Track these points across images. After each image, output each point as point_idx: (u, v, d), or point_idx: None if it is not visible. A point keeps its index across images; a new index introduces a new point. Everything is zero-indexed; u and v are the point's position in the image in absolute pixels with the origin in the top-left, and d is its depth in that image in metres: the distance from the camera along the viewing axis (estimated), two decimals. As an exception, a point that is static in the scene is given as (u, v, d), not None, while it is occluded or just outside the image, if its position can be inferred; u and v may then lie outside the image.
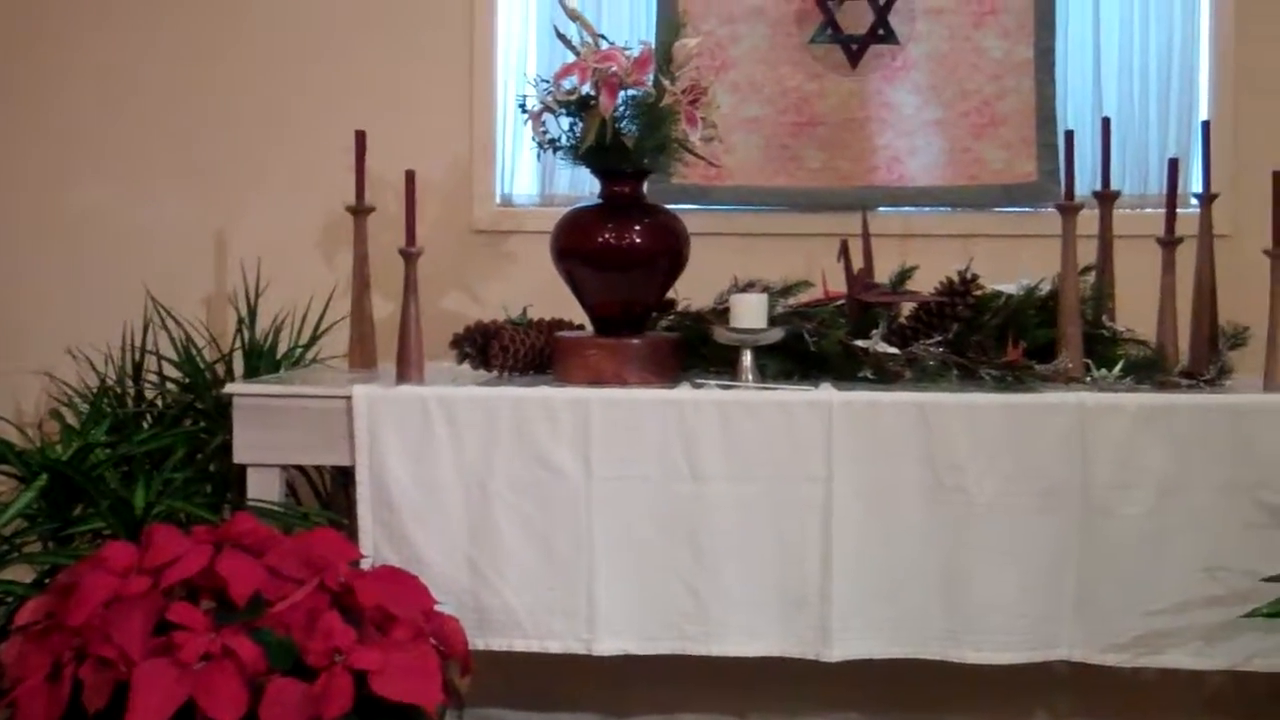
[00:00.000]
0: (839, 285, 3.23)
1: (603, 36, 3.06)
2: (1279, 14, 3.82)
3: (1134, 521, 2.85)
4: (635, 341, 3.04)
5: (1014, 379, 2.97)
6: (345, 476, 3.12)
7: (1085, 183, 3.50)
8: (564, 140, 3.05)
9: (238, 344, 3.60)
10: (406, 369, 3.01)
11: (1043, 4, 3.74)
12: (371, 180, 3.39)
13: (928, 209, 3.78)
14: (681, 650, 2.92)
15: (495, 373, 3.11)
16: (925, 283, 3.24)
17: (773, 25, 3.74)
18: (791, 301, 3.22)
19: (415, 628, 2.61)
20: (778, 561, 2.88)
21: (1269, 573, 2.80)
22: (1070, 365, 3.02)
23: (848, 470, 2.87)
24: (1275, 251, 3.02)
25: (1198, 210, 3.26)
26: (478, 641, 2.88)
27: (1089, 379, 3.02)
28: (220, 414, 3.23)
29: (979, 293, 3.15)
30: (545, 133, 3.06)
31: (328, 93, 3.76)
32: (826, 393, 2.91)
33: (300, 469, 3.44)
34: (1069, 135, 3.24)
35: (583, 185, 3.57)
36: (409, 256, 3.07)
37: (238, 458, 2.98)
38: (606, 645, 2.91)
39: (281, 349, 3.59)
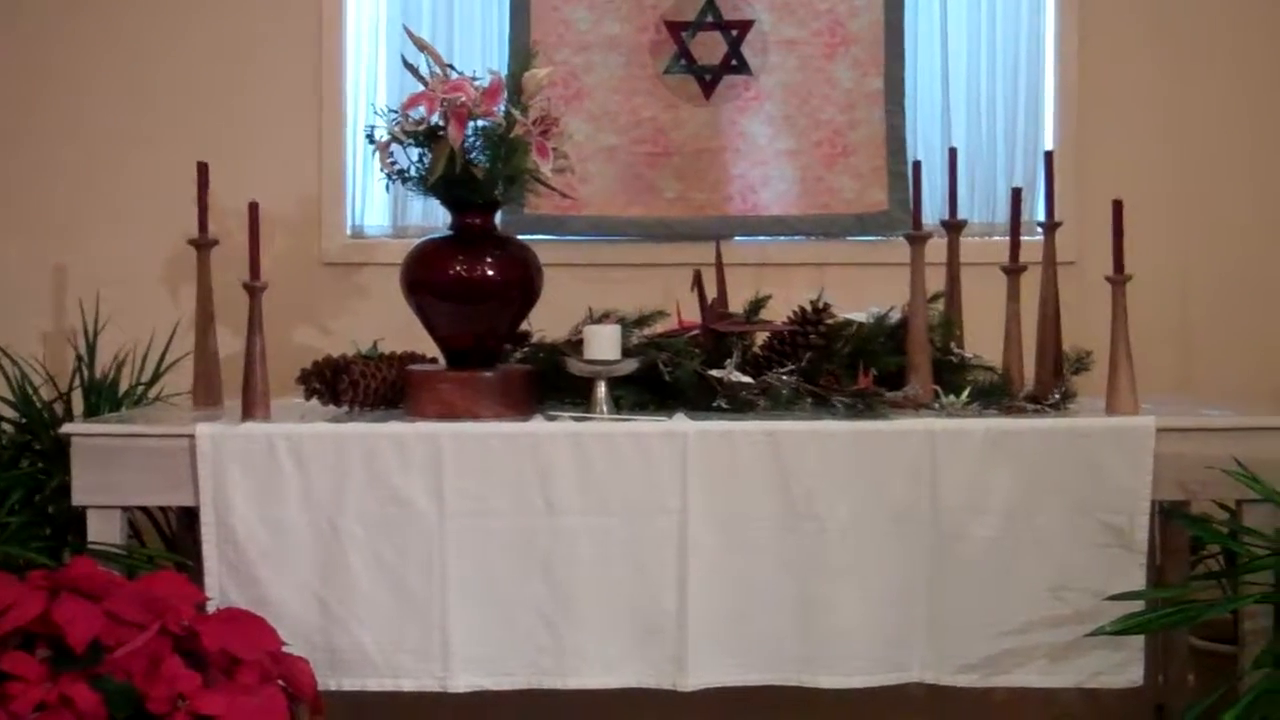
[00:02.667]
0: (693, 315, 3.24)
1: (451, 67, 3.04)
2: (1121, 47, 3.94)
3: (982, 544, 2.90)
4: (488, 374, 3.02)
5: (865, 406, 3.00)
6: (191, 517, 3.04)
7: (936, 212, 3.57)
8: (413, 171, 3.01)
9: (77, 382, 3.50)
10: (252, 406, 2.95)
11: (892, 35, 3.81)
12: (217, 212, 3.32)
13: (782, 238, 3.82)
14: (537, 684, 2.89)
15: (345, 408, 3.06)
16: (779, 312, 3.27)
17: (627, 55, 3.75)
18: (646, 332, 3.22)
19: (262, 670, 2.56)
20: (633, 593, 2.87)
21: (1113, 591, 2.87)
22: (919, 392, 3.06)
23: (702, 500, 2.87)
24: (1116, 277, 3.08)
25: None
26: (329, 682, 2.83)
27: (938, 405, 3.05)
28: (59, 454, 3.13)
29: (831, 321, 3.18)
30: (394, 164, 3.02)
31: (171, 123, 3.69)
32: (681, 423, 2.91)
33: (144, 510, 3.35)
34: (916, 165, 3.29)
35: (436, 216, 3.55)
36: (253, 290, 3.01)
37: (77, 500, 2.89)
38: (461, 682, 2.87)
39: (123, 387, 3.50)
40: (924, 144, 3.88)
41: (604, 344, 3.00)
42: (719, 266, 3.30)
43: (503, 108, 2.98)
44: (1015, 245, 3.25)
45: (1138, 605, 2.86)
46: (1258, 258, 4.01)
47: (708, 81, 3.74)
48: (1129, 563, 2.92)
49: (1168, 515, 3.19)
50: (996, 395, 3.11)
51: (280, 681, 2.60)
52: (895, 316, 3.22)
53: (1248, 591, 2.89)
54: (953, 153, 3.40)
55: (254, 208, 3.03)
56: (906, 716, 3.38)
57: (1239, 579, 2.98)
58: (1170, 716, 3.37)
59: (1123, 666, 2.95)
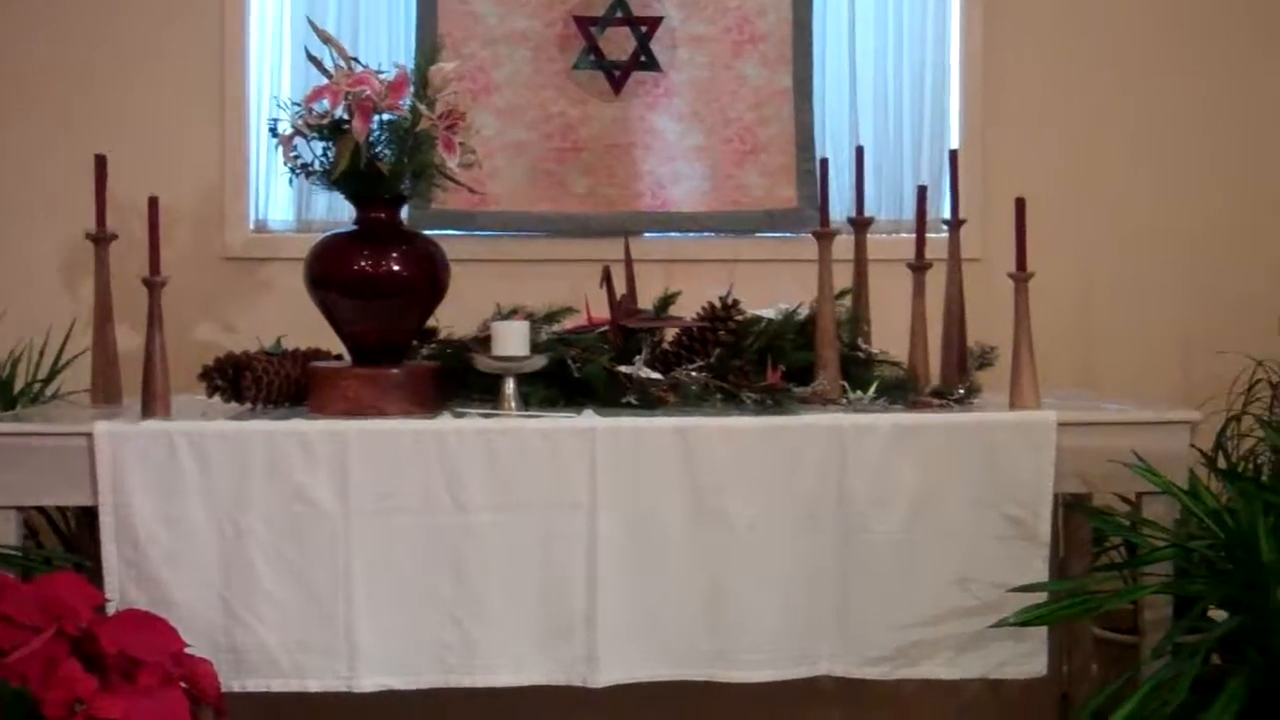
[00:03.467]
0: (603, 311, 3.23)
1: (356, 60, 3.00)
2: (1026, 47, 3.99)
3: (889, 538, 2.92)
4: (394, 371, 2.99)
5: (773, 402, 3.01)
6: (90, 517, 2.98)
7: (845, 209, 3.59)
8: (317, 165, 2.98)
9: (-31, 380, 3.42)
10: (152, 403, 2.90)
11: (801, 34, 3.82)
12: (117, 207, 3.26)
13: (692, 234, 3.82)
14: (446, 683, 2.87)
15: (248, 406, 3.01)
16: (689, 308, 3.27)
17: (535, 50, 3.74)
18: (555, 328, 3.20)
19: (163, 673, 2.51)
20: (543, 590, 2.86)
21: (1017, 583, 2.89)
22: (827, 387, 3.07)
23: (612, 496, 2.86)
24: (1019, 274, 3.12)
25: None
26: (233, 684, 2.79)
27: (845, 400, 3.07)
28: (-47, 454, 3.06)
29: (740, 317, 3.19)
30: (297, 157, 2.98)
31: (69, 116, 3.62)
32: (590, 419, 2.90)
33: (41, 510, 3.28)
34: (824, 163, 3.30)
35: (341, 211, 3.50)
36: (152, 286, 2.95)
37: (-30, 500, 2.82)
38: (368, 682, 2.85)
39: (18, 385, 3.43)
40: (832, 142, 3.90)
41: (512, 340, 2.98)
42: (628, 263, 3.30)
43: (408, 102, 2.95)
44: (921, 242, 3.27)
45: (1041, 597, 2.89)
46: (1157, 255, 4.08)
47: (617, 77, 3.74)
48: (1032, 555, 2.96)
49: (1070, 508, 3.23)
50: (903, 390, 3.13)
51: (182, 683, 2.55)
52: (804, 313, 3.23)
53: (1147, 582, 2.94)
54: (859, 150, 3.42)
55: (153, 202, 2.97)
56: (818, 709, 3.40)
57: (1139, 570, 3.03)
58: (1074, 706, 3.41)
59: (1027, 657, 2.99)
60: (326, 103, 2.93)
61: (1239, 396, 3.75)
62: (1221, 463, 3.52)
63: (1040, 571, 2.96)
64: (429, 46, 3.43)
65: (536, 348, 3.05)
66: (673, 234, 3.79)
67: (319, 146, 2.97)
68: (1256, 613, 2.76)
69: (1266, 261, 4.11)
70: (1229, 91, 4.12)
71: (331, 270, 2.99)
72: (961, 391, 3.14)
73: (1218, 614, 2.91)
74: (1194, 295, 4.08)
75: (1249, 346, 3.83)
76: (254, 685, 2.83)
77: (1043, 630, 2.97)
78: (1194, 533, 2.95)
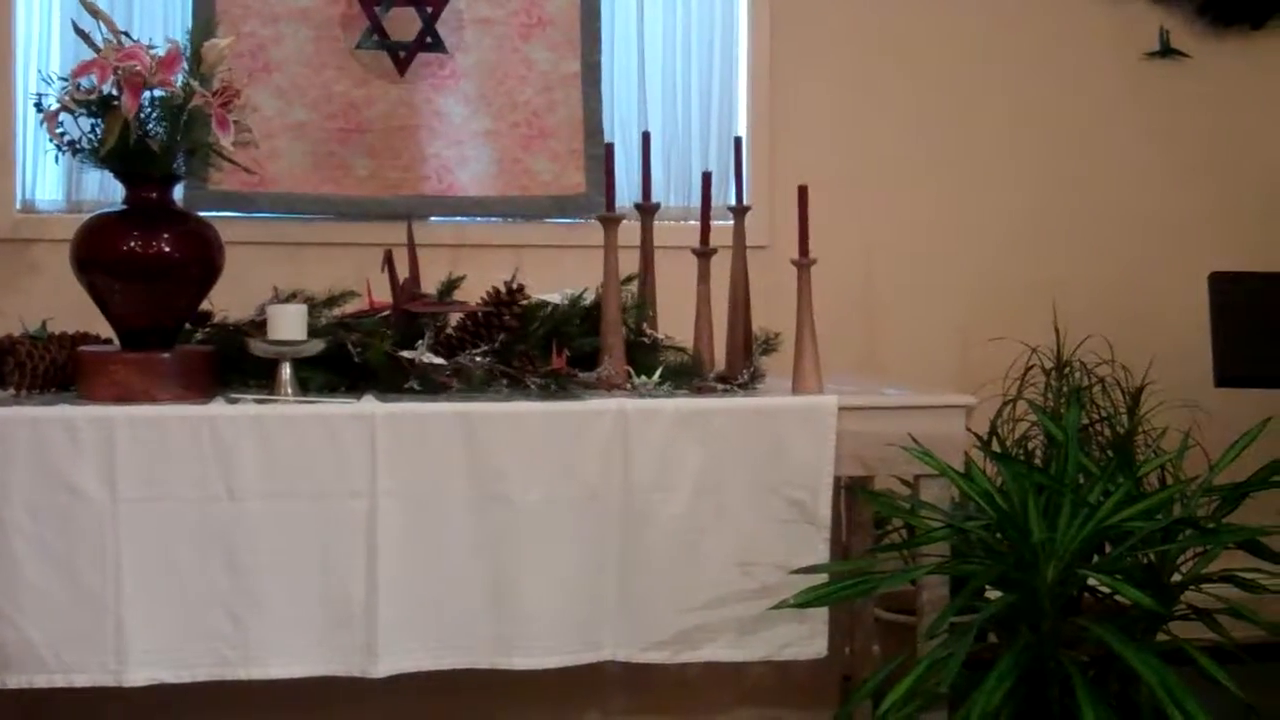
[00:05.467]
0: (385, 295, 3.17)
1: (126, 34, 2.89)
2: (812, 36, 4.05)
3: (672, 522, 2.93)
4: (165, 356, 2.88)
5: (558, 387, 2.99)
6: None
7: (633, 195, 3.59)
8: (85, 143, 2.86)
9: None
10: (-95, 389, 2.75)
11: (589, 18, 3.82)
12: None
13: (479, 219, 3.78)
14: (220, 676, 2.79)
15: (11, 391, 2.88)
16: (476, 293, 3.23)
17: (317, 28, 3.65)
18: (336, 312, 3.14)
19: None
20: (321, 579, 2.79)
21: (798, 565, 2.94)
22: (612, 372, 3.06)
23: (392, 483, 2.81)
24: (802, 261, 3.15)
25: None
26: (-6, 681, 2.66)
27: (630, 385, 3.07)
28: None
29: (525, 302, 3.15)
30: (63, 134, 2.86)
31: None
32: (369, 405, 2.84)
33: None
34: (609, 148, 3.29)
35: (113, 190, 3.37)
36: (-91, 266, 2.81)
37: None
38: (137, 675, 2.74)
39: None
40: (621, 128, 3.90)
41: (288, 324, 2.91)
42: (411, 246, 3.24)
43: (181, 78, 2.85)
44: (705, 229, 3.28)
45: (822, 579, 2.94)
46: (939, 242, 4.19)
47: (402, 58, 3.68)
48: (813, 537, 3.00)
49: (851, 491, 3.29)
50: (687, 375, 3.14)
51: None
52: (589, 298, 3.22)
53: (925, 563, 3.01)
54: (646, 136, 3.42)
55: (-96, 178, 2.83)
56: (605, 695, 3.39)
57: (917, 551, 3.09)
58: (856, 686, 3.47)
59: (809, 639, 3.03)
60: (95, 78, 2.81)
61: (1014, 382, 3.87)
62: (996, 446, 3.62)
63: (821, 554, 3.00)
64: (205, 22, 3.33)
65: (315, 332, 2.98)
66: (459, 218, 3.75)
67: (87, 123, 2.86)
68: (1027, 591, 2.85)
69: (1041, 251, 4.25)
70: (1006, 86, 4.26)
71: (99, 251, 2.88)
72: (745, 376, 3.16)
73: (996, 594, 2.99)
74: (972, 283, 4.20)
75: (1024, 334, 3.96)
76: (15, 682, 2.70)
77: (824, 612, 3.01)
78: (970, 514, 3.03)
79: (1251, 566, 2.90)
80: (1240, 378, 3.48)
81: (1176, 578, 2.99)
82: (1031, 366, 3.89)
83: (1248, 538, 2.89)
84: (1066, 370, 3.86)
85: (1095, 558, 2.94)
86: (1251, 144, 4.43)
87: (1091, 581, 2.86)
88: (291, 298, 3.08)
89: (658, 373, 3.10)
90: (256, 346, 2.93)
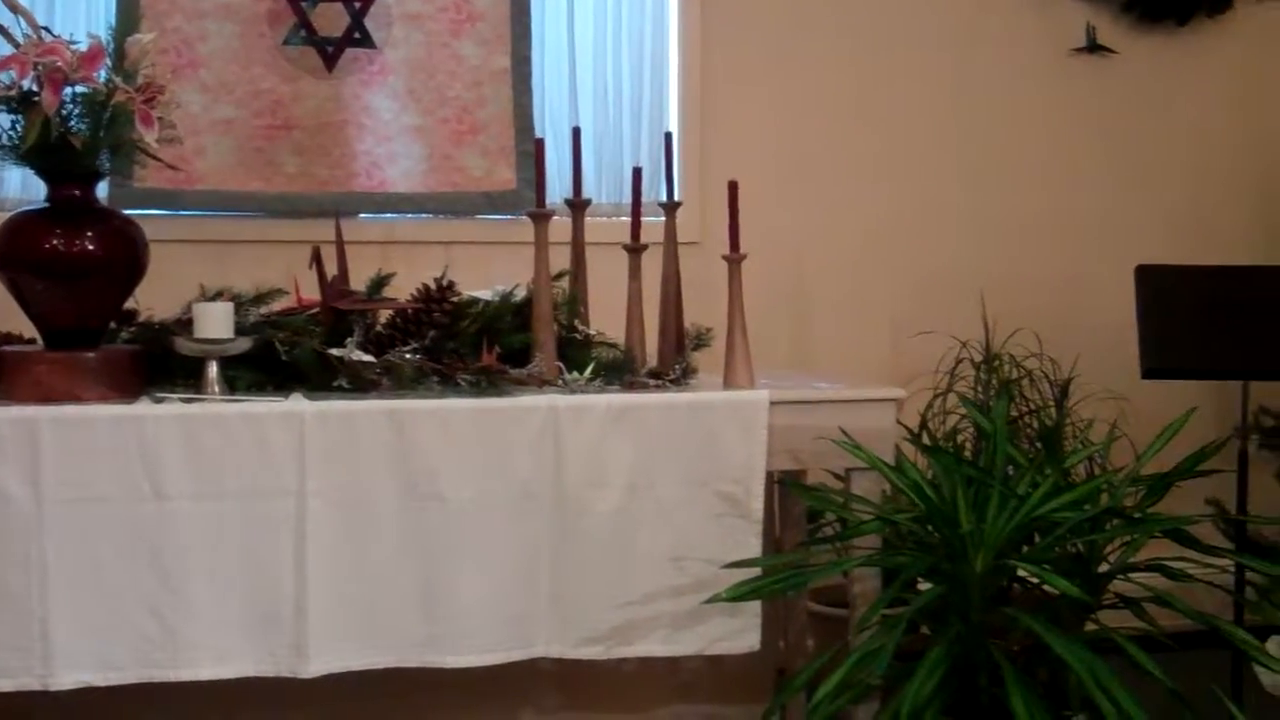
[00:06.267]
0: (314, 293, 3.15)
1: (47, 29, 2.85)
2: (744, 31, 4.06)
3: (605, 518, 2.92)
4: (90, 355, 2.84)
5: (489, 384, 2.98)
6: None
7: (565, 191, 3.57)
8: (5, 139, 2.81)
9: None
10: None
11: (519, 14, 3.81)
12: None
13: (409, 216, 3.76)
14: (149, 678, 2.75)
15: (-70, 393, 2.83)
16: (407, 290, 3.21)
17: (244, 24, 3.62)
18: (264, 310, 3.10)
19: None
20: (250, 579, 2.77)
21: (731, 559, 2.94)
22: (543, 369, 3.05)
23: (321, 482, 2.79)
24: (732, 256, 3.16)
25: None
26: (-86, 688, 2.62)
27: (562, 381, 3.06)
28: None
29: (456, 299, 3.14)
30: (-17, 131, 2.82)
31: None
32: (297, 403, 2.82)
33: None
34: (539, 143, 3.28)
35: (36, 188, 3.32)
36: None
37: None
38: (64, 679, 2.70)
39: None
40: (552, 123, 3.90)
41: (215, 322, 2.87)
42: (339, 243, 3.22)
43: (104, 74, 2.81)
44: (636, 224, 3.28)
45: (754, 573, 2.94)
46: (869, 237, 4.21)
47: (330, 54, 3.65)
48: (746, 532, 3.00)
49: (783, 485, 3.30)
50: (619, 371, 3.14)
51: None
52: (521, 294, 3.21)
53: (856, 556, 3.02)
54: (576, 132, 3.41)
55: None
56: (539, 693, 3.38)
57: (849, 544, 3.11)
58: (789, 680, 3.48)
59: (741, 633, 3.03)
60: (14, 73, 2.76)
61: (944, 375, 3.90)
62: (926, 439, 3.65)
63: (754, 548, 3.01)
64: (129, 17, 3.30)
65: (243, 330, 2.94)
66: (389, 215, 3.73)
67: (7, 120, 2.80)
68: (957, 582, 2.87)
69: (970, 246, 4.29)
70: (935, 83, 4.29)
71: (20, 249, 2.82)
72: (677, 372, 3.16)
73: (929, 585, 3.01)
74: (902, 278, 4.23)
75: (954, 328, 3.99)
76: (-63, 689, 2.66)
77: (756, 606, 3.02)
78: (901, 507, 3.04)
79: (1178, 555, 2.94)
80: (1166, 369, 3.52)
81: (1104, 567, 3.03)
82: (961, 360, 3.93)
83: (1173, 527, 2.93)
84: (995, 363, 3.90)
85: (1024, 548, 2.97)
86: (1177, 139, 4.49)
87: (1021, 572, 2.89)
88: (218, 296, 3.05)
89: (589, 369, 3.09)
90: (183, 345, 2.89)
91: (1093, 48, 4.39)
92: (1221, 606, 3.20)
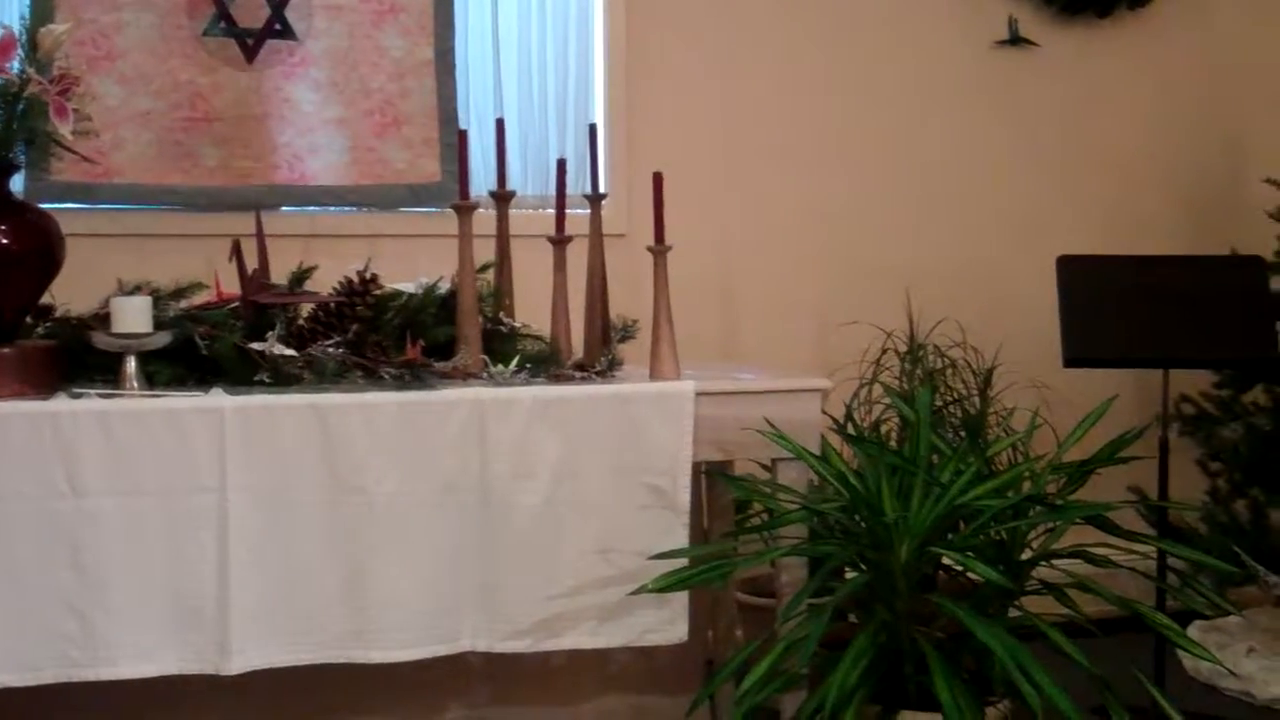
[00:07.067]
0: (234, 287, 3.11)
1: (-41, 20, 2.80)
2: (671, 23, 4.05)
3: (531, 511, 2.91)
4: (5, 351, 2.79)
5: (413, 377, 2.96)
6: None
7: (490, 183, 3.55)
8: (-84, 130, 2.76)
9: None
10: None
11: (442, 5, 3.79)
12: None
13: (333, 209, 3.72)
14: (68, 677, 2.71)
15: None
16: (332, 283, 3.18)
17: (162, 15, 3.57)
18: (184, 305, 3.06)
19: None
20: (170, 576, 2.73)
21: (658, 550, 2.94)
22: (468, 362, 3.04)
23: (243, 477, 2.76)
24: (658, 248, 3.16)
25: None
26: None
27: (487, 374, 3.04)
28: None
29: (379, 292, 3.11)
30: (-107, 122, 2.76)
31: None
32: (218, 398, 2.78)
33: None
34: (462, 134, 3.26)
35: (-51, 182, 3.27)
36: None
37: None
38: (-19, 681, 2.66)
39: None
40: (477, 115, 3.88)
41: (133, 316, 2.83)
42: (260, 236, 3.18)
43: (17, 65, 2.77)
44: (561, 216, 3.27)
45: (681, 563, 2.94)
46: (795, 228, 4.23)
47: (250, 45, 3.61)
48: (673, 523, 3.00)
49: (711, 476, 3.30)
50: (545, 364, 3.13)
51: None
52: (445, 287, 3.19)
53: (783, 546, 3.03)
54: (500, 123, 3.40)
55: None
56: (468, 687, 3.36)
57: (776, 534, 3.11)
58: (718, 670, 3.49)
59: (669, 624, 3.03)
60: (-75, 64, 2.72)
61: (870, 365, 3.92)
62: (852, 429, 3.66)
63: (681, 539, 3.01)
64: (43, 7, 3.24)
65: (162, 324, 2.90)
66: (311, 208, 3.69)
67: (-82, 110, 2.76)
68: (882, 571, 2.89)
69: (895, 236, 4.32)
70: (861, 75, 4.31)
71: (-68, 243, 2.78)
72: (603, 364, 3.15)
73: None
74: (828, 269, 4.25)
75: (879, 319, 4.01)
76: None
77: (684, 596, 3.02)
78: (827, 496, 3.05)
79: (1101, 542, 2.97)
80: (1087, 358, 3.56)
81: (1027, 554, 3.05)
82: (886, 350, 3.94)
83: (1095, 513, 2.96)
84: (920, 354, 3.92)
85: (949, 536, 2.98)
86: (1098, 130, 4.54)
87: (945, 560, 2.91)
88: (137, 290, 3.01)
89: (514, 362, 3.08)
90: (100, 340, 2.85)
91: (1015, 40, 4.43)
92: (1144, 592, 3.24)
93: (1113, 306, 3.61)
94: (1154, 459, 3.50)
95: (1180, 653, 3.18)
